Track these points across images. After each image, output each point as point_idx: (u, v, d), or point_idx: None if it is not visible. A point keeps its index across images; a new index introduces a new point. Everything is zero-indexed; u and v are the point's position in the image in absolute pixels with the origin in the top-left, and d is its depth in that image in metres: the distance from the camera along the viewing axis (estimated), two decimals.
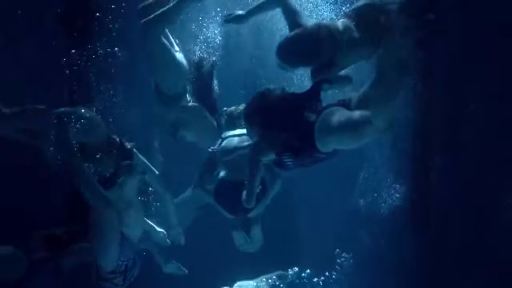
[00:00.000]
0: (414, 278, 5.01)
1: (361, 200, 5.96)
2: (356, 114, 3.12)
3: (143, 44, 4.46)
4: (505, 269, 4.25)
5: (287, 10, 3.82)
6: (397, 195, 5.52)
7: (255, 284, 5.31)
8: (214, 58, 5.03)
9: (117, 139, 4.10)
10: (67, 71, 4.12)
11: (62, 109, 3.58)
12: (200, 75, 4.92)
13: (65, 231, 3.67)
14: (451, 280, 4.73)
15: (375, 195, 5.78)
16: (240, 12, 4.05)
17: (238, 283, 5.32)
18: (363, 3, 3.54)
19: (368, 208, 5.87)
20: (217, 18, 5.10)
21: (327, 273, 5.76)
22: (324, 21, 3.93)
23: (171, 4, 4.27)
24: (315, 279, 5.77)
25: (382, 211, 5.69)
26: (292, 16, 3.76)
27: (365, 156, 5.69)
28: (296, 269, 5.85)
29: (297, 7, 3.84)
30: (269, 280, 5.46)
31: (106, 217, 3.59)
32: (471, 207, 4.59)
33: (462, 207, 4.65)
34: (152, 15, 4.28)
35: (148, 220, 4.65)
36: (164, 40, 4.52)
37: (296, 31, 3.62)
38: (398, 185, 5.52)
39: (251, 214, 4.54)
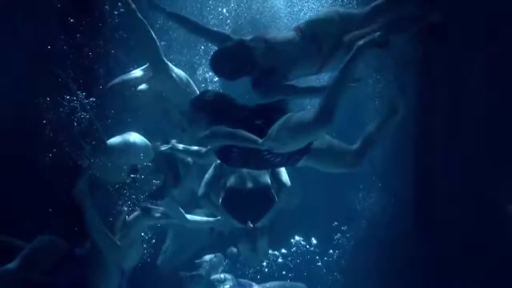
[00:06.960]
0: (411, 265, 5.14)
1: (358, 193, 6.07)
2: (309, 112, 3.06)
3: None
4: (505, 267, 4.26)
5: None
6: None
7: None
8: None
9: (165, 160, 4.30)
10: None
11: None
12: None
13: None
14: (449, 265, 4.83)
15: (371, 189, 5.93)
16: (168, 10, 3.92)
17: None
18: (316, 19, 3.55)
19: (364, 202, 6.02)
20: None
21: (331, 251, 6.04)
22: (262, 33, 3.76)
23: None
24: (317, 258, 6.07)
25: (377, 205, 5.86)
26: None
27: None
28: (299, 239, 6.09)
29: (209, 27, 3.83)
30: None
31: (109, 257, 3.81)
32: (471, 196, 4.59)
33: (463, 198, 4.65)
34: None
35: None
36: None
37: (229, 43, 3.57)
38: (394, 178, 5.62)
39: (259, 224, 4.54)
